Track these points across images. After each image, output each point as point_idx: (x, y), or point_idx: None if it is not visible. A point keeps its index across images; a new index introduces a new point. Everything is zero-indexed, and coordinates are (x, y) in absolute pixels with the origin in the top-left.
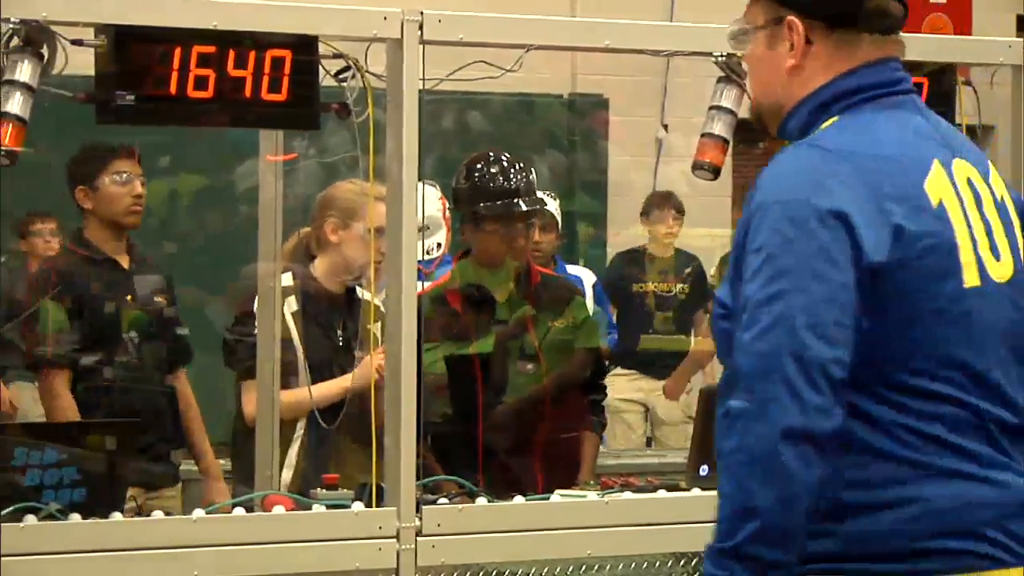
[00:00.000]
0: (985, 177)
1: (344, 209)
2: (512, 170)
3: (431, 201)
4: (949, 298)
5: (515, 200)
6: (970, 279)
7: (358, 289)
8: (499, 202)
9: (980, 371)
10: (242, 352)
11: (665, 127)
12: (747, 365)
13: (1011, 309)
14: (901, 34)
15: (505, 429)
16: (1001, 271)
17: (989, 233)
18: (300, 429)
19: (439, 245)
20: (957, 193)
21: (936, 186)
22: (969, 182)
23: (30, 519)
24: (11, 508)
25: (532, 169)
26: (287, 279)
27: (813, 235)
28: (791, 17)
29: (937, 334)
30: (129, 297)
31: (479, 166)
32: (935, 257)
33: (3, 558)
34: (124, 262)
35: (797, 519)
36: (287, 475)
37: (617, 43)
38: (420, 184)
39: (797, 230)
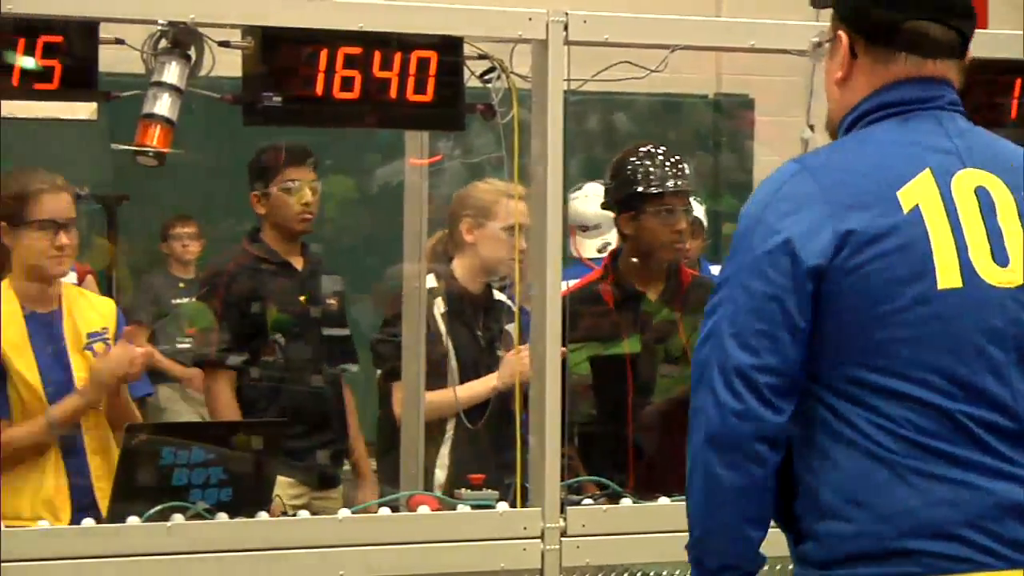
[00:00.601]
0: (1014, 189)
1: (478, 208)
2: (666, 156)
3: (601, 200)
4: (915, 299)
5: (674, 181)
6: (946, 281)
7: (494, 289)
8: (656, 182)
9: (960, 374)
10: (391, 353)
11: (811, 127)
12: (692, 377)
13: (1016, 311)
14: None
15: (653, 430)
16: (1007, 277)
17: (994, 239)
18: (450, 430)
19: (608, 244)
20: (947, 200)
21: (914, 193)
22: (978, 191)
23: (177, 518)
24: (158, 507)
25: (684, 161)
26: (431, 280)
27: (750, 249)
28: (841, 31)
29: (904, 335)
30: (302, 298)
31: (632, 158)
32: (897, 259)
33: (148, 557)
34: (298, 264)
35: (731, 523)
36: (440, 475)
37: (762, 43)
38: (592, 184)
39: (740, 243)
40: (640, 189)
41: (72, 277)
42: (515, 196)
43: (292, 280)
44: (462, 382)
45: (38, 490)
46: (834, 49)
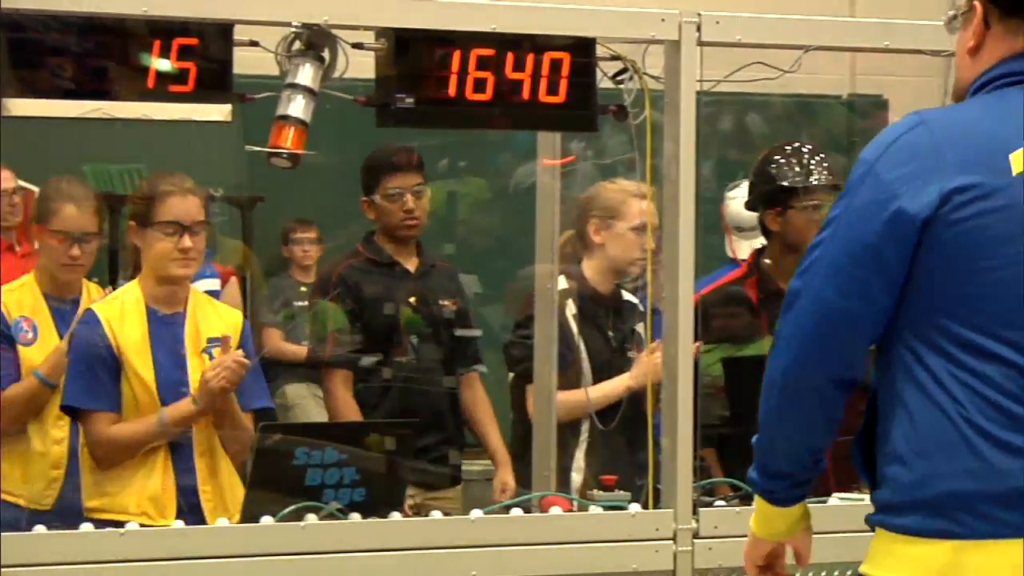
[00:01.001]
0: None
1: (605, 209)
2: (811, 153)
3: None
4: (1010, 259)
5: (819, 176)
6: None
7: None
8: (803, 177)
9: None
10: (523, 355)
11: None
12: (783, 303)
13: None
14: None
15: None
16: None
17: None
18: (584, 431)
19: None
20: None
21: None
22: None
23: (311, 518)
24: (292, 507)
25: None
26: (562, 282)
27: (859, 194)
28: (976, 2)
29: (996, 293)
30: (413, 299)
31: (777, 155)
32: (998, 218)
33: (282, 557)
34: (411, 265)
35: (796, 442)
36: (576, 478)
37: (897, 43)
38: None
39: (851, 187)
40: (787, 184)
41: (213, 281)
42: (642, 196)
43: (403, 282)
44: (594, 383)
45: (145, 487)
46: (968, 19)
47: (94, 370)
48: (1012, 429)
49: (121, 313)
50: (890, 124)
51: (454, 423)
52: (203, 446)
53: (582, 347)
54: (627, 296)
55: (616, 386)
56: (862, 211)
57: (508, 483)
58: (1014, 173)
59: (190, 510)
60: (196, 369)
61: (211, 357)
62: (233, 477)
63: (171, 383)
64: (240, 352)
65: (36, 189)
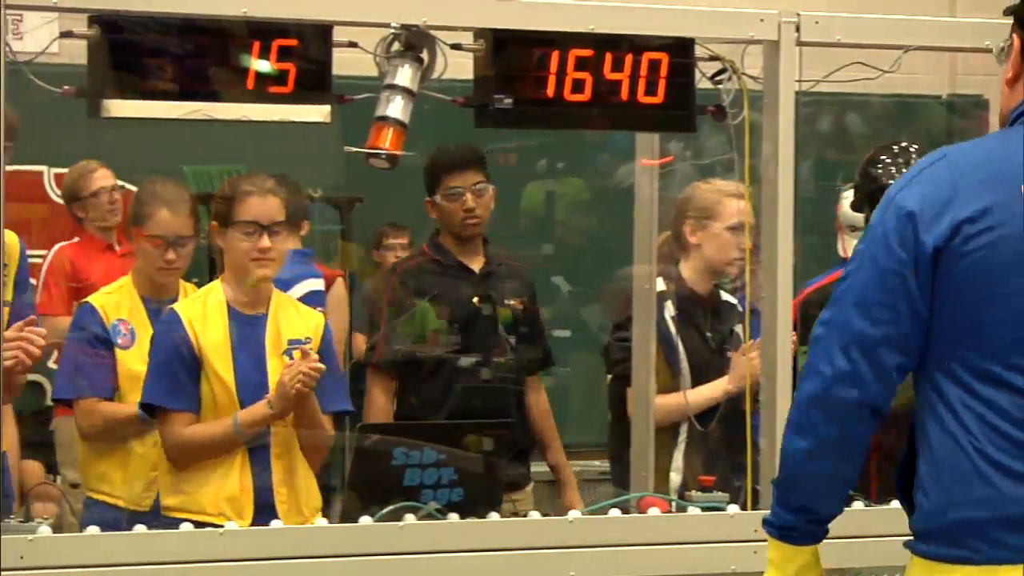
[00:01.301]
0: None
1: (701, 209)
2: (918, 153)
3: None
4: (1021, 286)
5: None
6: None
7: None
8: None
9: None
10: (622, 357)
11: None
12: (812, 333)
13: None
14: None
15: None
16: None
17: None
18: (683, 433)
19: None
20: None
21: None
22: None
23: (409, 518)
24: (391, 507)
25: None
26: (660, 283)
27: (883, 223)
28: (1016, 35)
29: (1008, 319)
30: (475, 300)
31: (883, 155)
32: (1007, 247)
33: (380, 557)
34: (476, 265)
35: (821, 475)
36: (675, 479)
37: (998, 43)
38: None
39: (877, 218)
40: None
41: (317, 282)
42: (738, 195)
43: (466, 281)
44: (693, 385)
45: (223, 487)
46: (1009, 51)
47: (174, 370)
48: (1021, 458)
49: (203, 313)
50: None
51: (522, 423)
52: (280, 448)
53: (680, 349)
54: (725, 296)
55: (715, 389)
56: (887, 242)
57: (575, 507)
58: None
59: (265, 511)
60: (276, 370)
61: (291, 359)
62: (309, 479)
63: (251, 384)
64: (317, 358)
65: (136, 189)
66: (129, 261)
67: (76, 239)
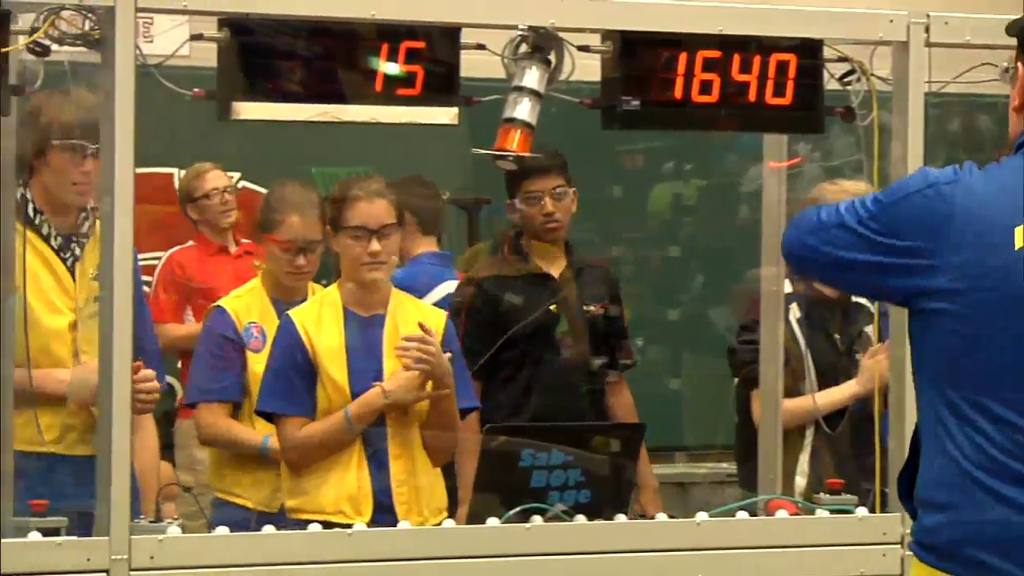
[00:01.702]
0: None
1: None
2: None
3: None
4: (1008, 330)
5: None
6: None
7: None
8: None
9: None
10: (747, 360)
11: None
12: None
13: None
14: None
15: None
16: None
17: None
18: (809, 436)
19: None
20: None
21: None
22: None
23: (536, 520)
24: (518, 508)
25: None
26: (787, 286)
27: (893, 192)
28: (1020, 63)
29: (998, 359)
30: (553, 307)
31: None
32: (998, 289)
33: (508, 558)
34: (556, 269)
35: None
36: (800, 482)
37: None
38: None
39: (892, 189)
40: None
41: (455, 284)
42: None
43: (544, 286)
44: (820, 388)
45: (341, 486)
46: (1014, 78)
47: (289, 375)
48: (1012, 483)
49: (318, 317)
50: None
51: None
52: (400, 448)
53: (806, 352)
54: (856, 298)
55: (843, 392)
56: (878, 212)
57: (650, 513)
58: (1016, 247)
59: (384, 510)
60: (392, 371)
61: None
62: (431, 478)
63: (366, 387)
64: (435, 342)
65: (265, 192)
66: (244, 263)
67: (191, 242)
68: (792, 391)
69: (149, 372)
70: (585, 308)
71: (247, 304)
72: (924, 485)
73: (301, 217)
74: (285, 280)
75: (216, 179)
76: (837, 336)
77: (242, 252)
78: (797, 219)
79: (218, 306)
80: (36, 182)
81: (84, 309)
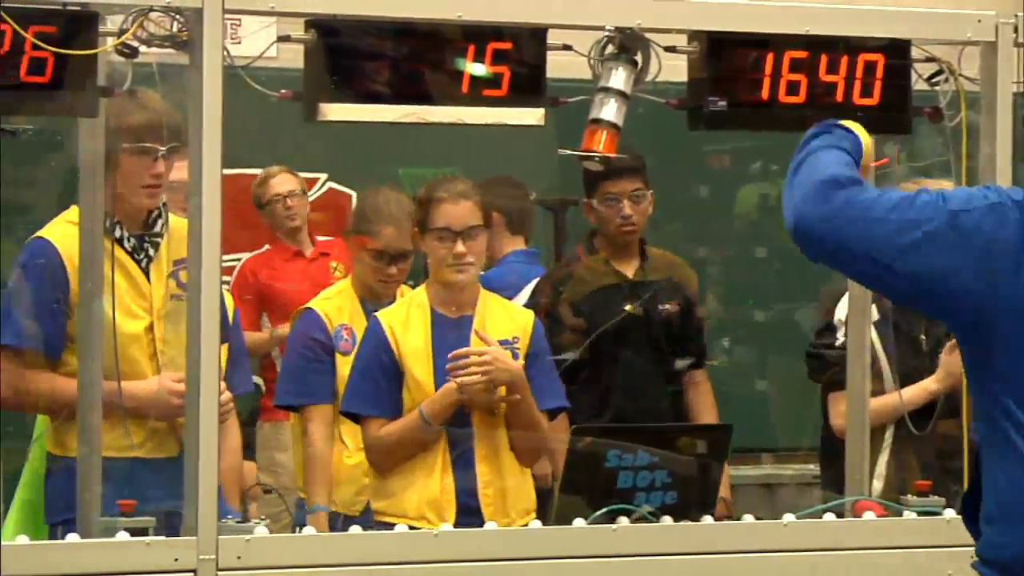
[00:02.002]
0: None
1: None
2: None
3: None
4: None
5: None
6: None
7: None
8: None
9: None
10: (824, 363)
11: None
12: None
13: None
14: None
15: None
16: None
17: None
18: (888, 438)
19: None
20: None
21: None
22: None
23: (623, 521)
24: (605, 509)
25: None
26: None
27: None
28: None
29: None
30: (628, 307)
31: None
32: None
33: (594, 559)
34: (630, 269)
35: None
36: (877, 485)
37: None
38: None
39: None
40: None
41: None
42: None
43: (619, 286)
44: (902, 387)
45: (425, 490)
46: None
47: (374, 376)
48: None
49: (405, 319)
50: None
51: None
52: (486, 449)
53: (880, 354)
54: None
55: (920, 391)
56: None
57: (727, 497)
58: None
59: (468, 512)
60: None
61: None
62: (518, 479)
63: None
64: (508, 354)
65: (352, 193)
66: (321, 265)
67: (266, 246)
68: (873, 392)
69: (224, 396)
70: (660, 307)
71: (337, 306)
72: (989, 500)
73: (396, 228)
74: (375, 287)
75: (280, 184)
76: (923, 337)
77: (317, 254)
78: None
79: (308, 308)
80: (106, 186)
81: (161, 308)
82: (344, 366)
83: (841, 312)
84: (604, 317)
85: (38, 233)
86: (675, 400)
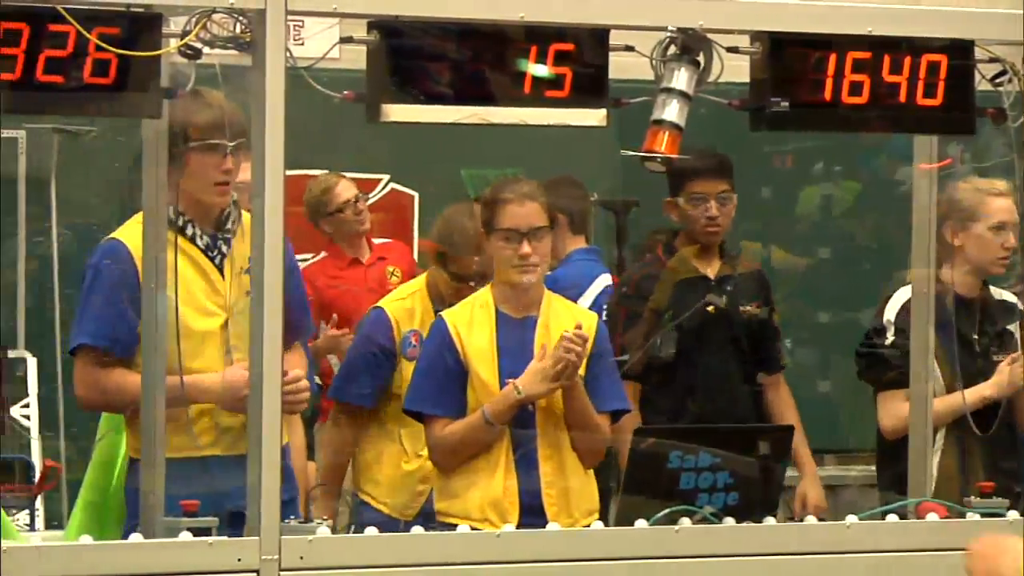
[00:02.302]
0: None
1: (961, 211)
2: None
3: None
4: None
5: None
6: None
7: (992, 289)
8: None
9: None
10: (876, 364)
11: None
12: None
13: None
14: None
15: None
16: None
17: None
18: (940, 440)
19: None
20: None
21: None
22: None
23: (684, 522)
24: (667, 511)
25: None
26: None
27: None
28: None
29: None
30: (711, 308)
31: None
32: None
33: (656, 560)
34: (712, 270)
35: None
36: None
37: None
38: None
39: None
40: None
41: (608, 278)
42: (998, 193)
43: (701, 287)
44: (951, 390)
45: (487, 491)
46: None
47: (439, 376)
48: None
49: (470, 319)
50: None
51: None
52: (549, 449)
53: (932, 356)
54: (1004, 295)
55: (974, 395)
56: None
57: (810, 495)
58: None
59: (532, 513)
60: None
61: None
62: (581, 480)
63: None
64: (581, 341)
65: (415, 194)
66: (379, 270)
67: (323, 253)
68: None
69: (298, 372)
70: (741, 309)
71: (409, 310)
72: None
73: (470, 251)
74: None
75: (346, 191)
76: (975, 337)
77: (374, 260)
78: None
79: (380, 309)
80: (178, 186)
81: (236, 305)
82: (409, 370)
83: (890, 313)
84: (687, 318)
85: (111, 235)
86: (757, 402)
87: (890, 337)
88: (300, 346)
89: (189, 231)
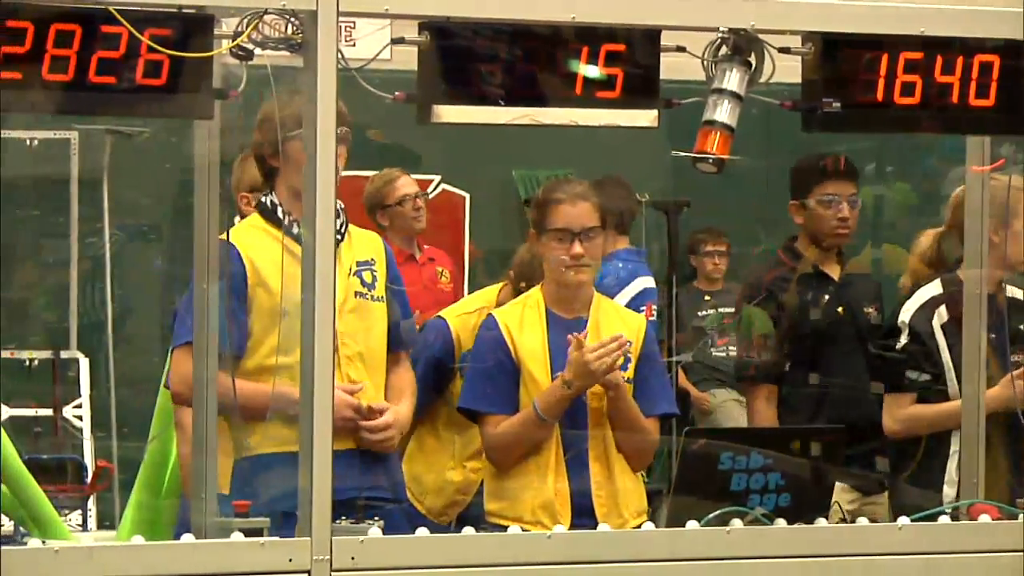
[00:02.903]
0: None
1: (999, 207)
2: None
3: None
4: None
5: None
6: None
7: (1008, 287)
8: None
9: None
10: (887, 366)
11: None
12: None
13: None
14: None
15: None
16: None
17: None
18: (955, 444)
19: None
20: None
21: None
22: None
23: (736, 523)
24: (718, 512)
25: None
26: (936, 287)
27: None
28: None
29: None
30: (840, 309)
31: None
32: None
33: (707, 561)
34: (835, 273)
35: None
36: (948, 492)
37: None
38: None
39: None
40: None
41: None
42: None
43: (828, 290)
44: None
45: (538, 493)
46: None
47: (492, 374)
48: None
49: (521, 318)
50: None
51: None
52: (598, 450)
53: (946, 359)
54: (1012, 291)
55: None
56: None
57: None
58: None
59: (584, 514)
60: None
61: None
62: (630, 481)
63: None
64: (626, 342)
65: (466, 195)
66: (430, 270)
67: None
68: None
69: (388, 419)
70: (865, 310)
71: (473, 328)
72: None
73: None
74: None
75: (406, 185)
76: (992, 336)
77: (426, 259)
78: None
79: (442, 318)
80: (280, 183)
81: (345, 305)
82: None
83: (906, 314)
84: (811, 318)
85: (221, 235)
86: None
87: (903, 339)
88: (406, 357)
89: (295, 230)
